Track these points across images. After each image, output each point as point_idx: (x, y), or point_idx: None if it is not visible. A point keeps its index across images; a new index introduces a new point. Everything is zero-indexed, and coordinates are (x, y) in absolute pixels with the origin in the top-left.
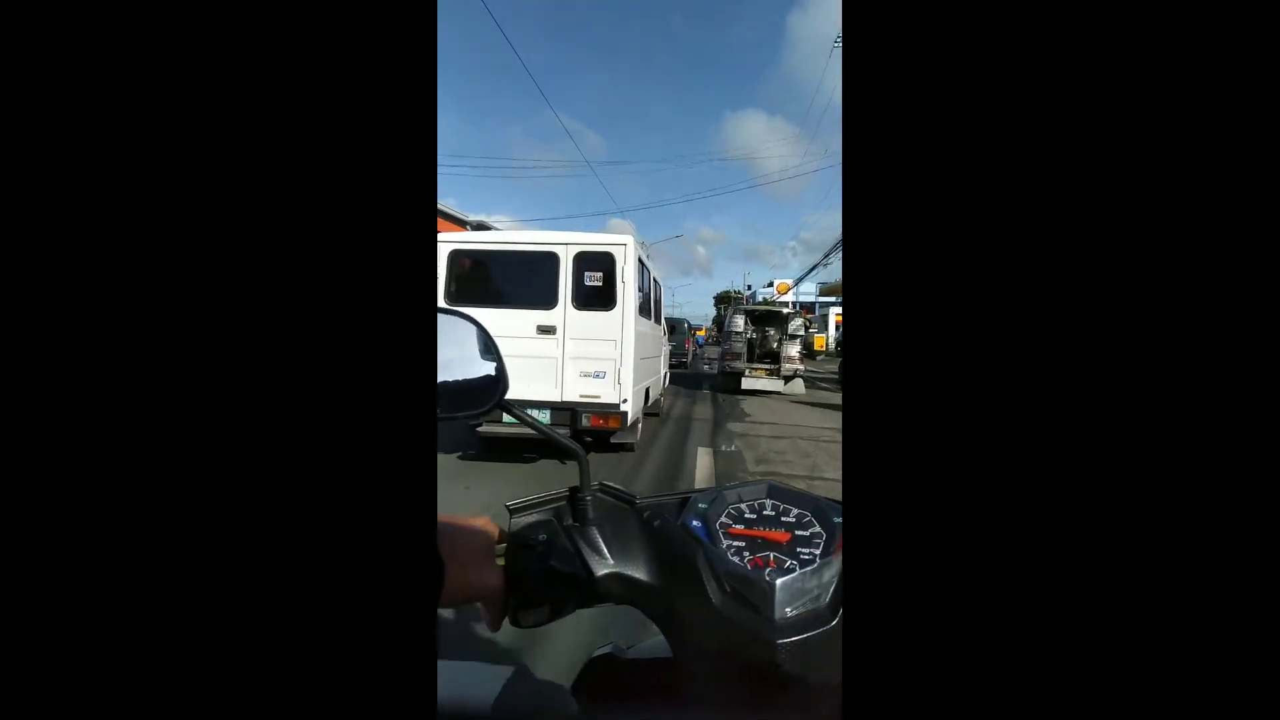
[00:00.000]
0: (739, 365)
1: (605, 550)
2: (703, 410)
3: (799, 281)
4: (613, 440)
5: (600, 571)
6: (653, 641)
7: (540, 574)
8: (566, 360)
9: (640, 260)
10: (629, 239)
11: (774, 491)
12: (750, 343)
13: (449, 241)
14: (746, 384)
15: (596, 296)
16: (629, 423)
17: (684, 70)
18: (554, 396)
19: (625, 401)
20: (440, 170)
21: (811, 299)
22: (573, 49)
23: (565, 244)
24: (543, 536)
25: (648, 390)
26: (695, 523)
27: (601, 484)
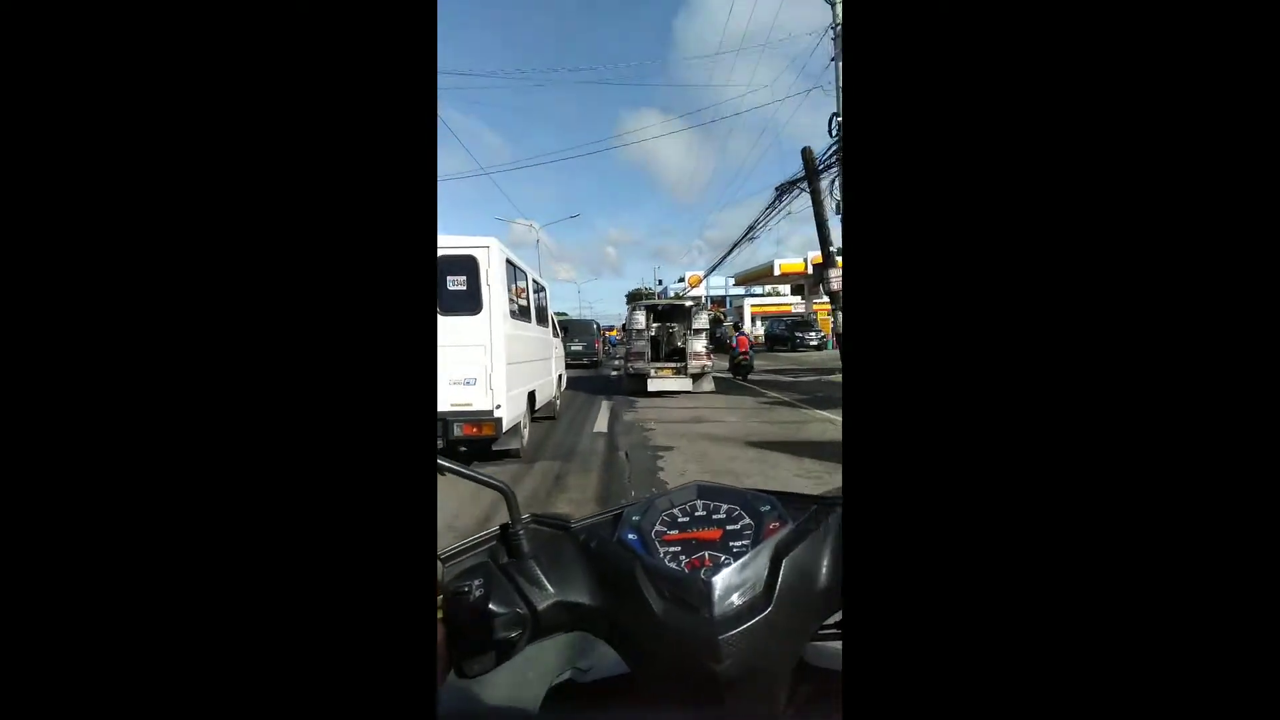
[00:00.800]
0: (643, 366)
1: (545, 581)
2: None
3: (709, 273)
4: (494, 448)
5: (543, 604)
6: (609, 661)
7: (481, 619)
8: (440, 367)
9: (509, 262)
10: (493, 240)
11: (703, 491)
12: (654, 341)
13: None
14: (653, 385)
15: (461, 301)
16: (505, 429)
17: (582, 70)
18: None
19: (499, 408)
20: None
21: (722, 292)
22: (473, 49)
23: None
24: (478, 580)
25: (532, 394)
26: (630, 535)
27: (533, 515)
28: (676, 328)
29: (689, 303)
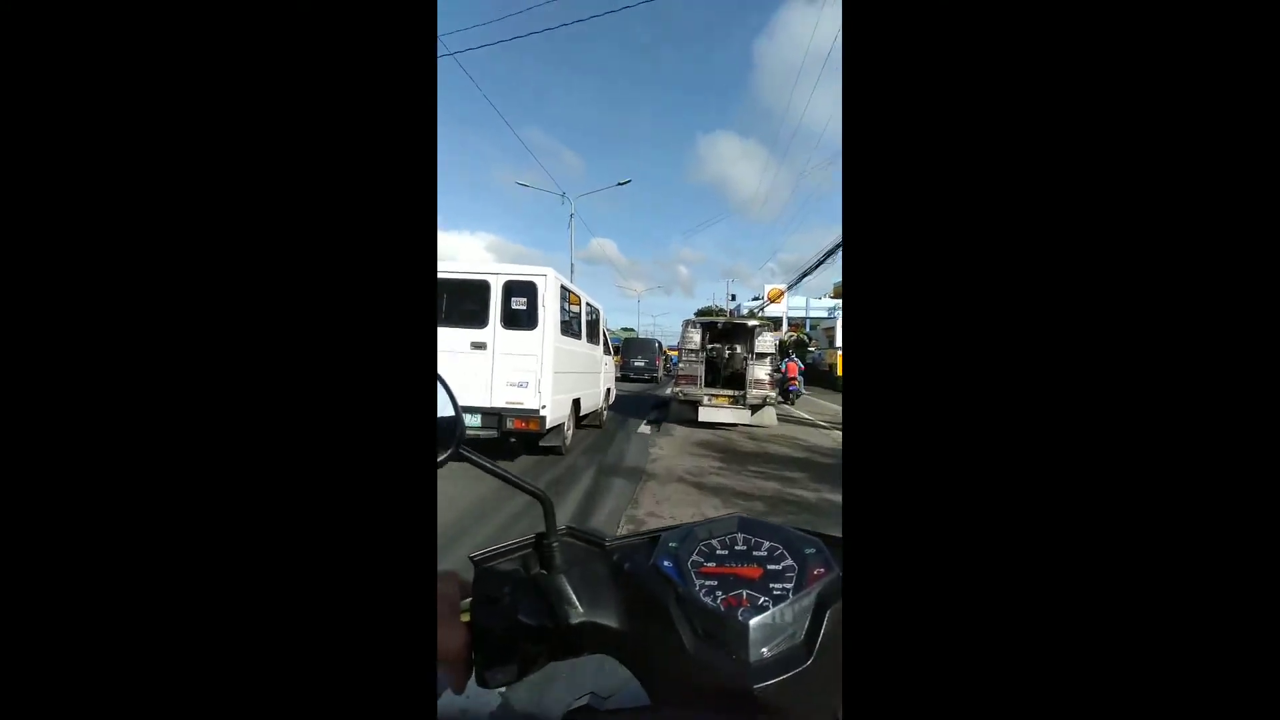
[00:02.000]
0: (694, 391)
1: (575, 599)
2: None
3: (793, 286)
4: (540, 444)
5: (572, 622)
6: (630, 690)
7: (507, 629)
8: (495, 371)
9: (564, 287)
10: (550, 270)
11: (744, 525)
12: (711, 363)
13: None
14: (705, 415)
15: (522, 318)
16: (549, 426)
17: (659, 91)
18: (485, 402)
19: (544, 408)
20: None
21: (801, 313)
22: (550, 67)
23: (495, 274)
24: (509, 589)
25: (577, 402)
26: (666, 563)
27: (569, 528)
28: (737, 350)
29: (753, 322)
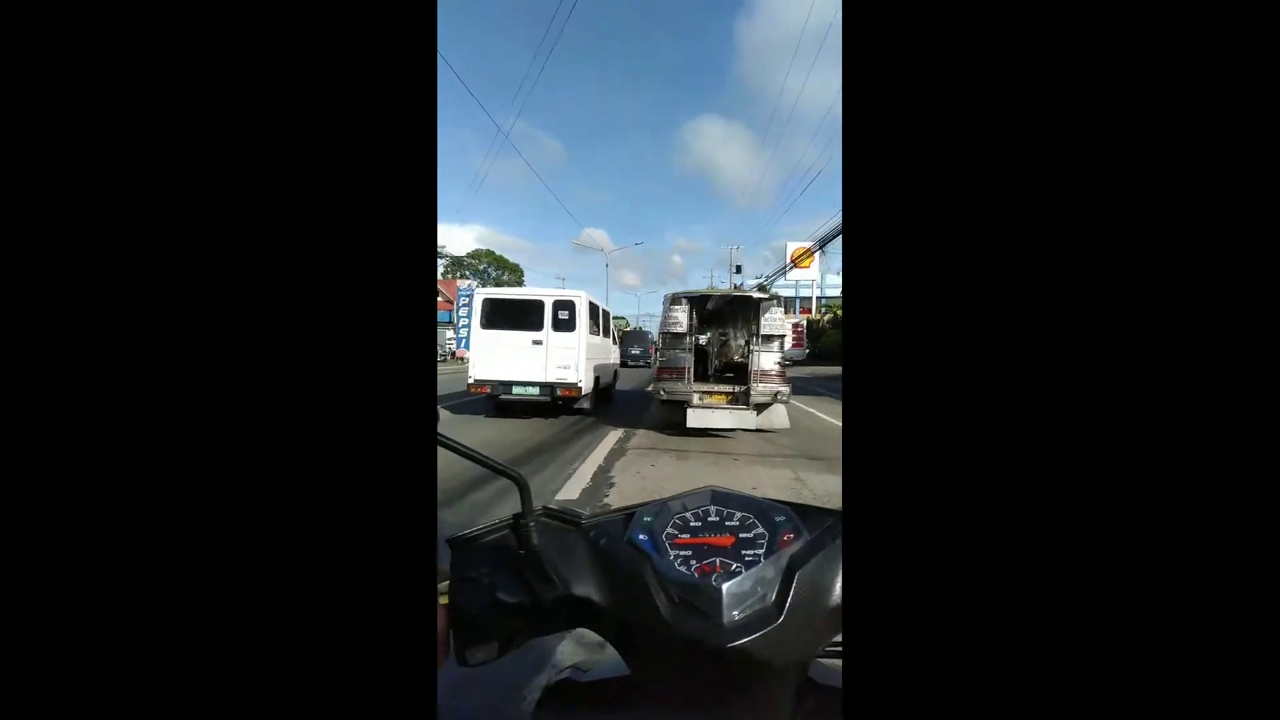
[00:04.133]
0: (680, 388)
1: (552, 575)
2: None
3: (824, 246)
4: (575, 407)
5: (549, 598)
6: (611, 661)
7: (486, 608)
8: (549, 358)
9: (590, 303)
10: (583, 292)
11: (717, 497)
12: (701, 352)
13: (483, 293)
14: (695, 419)
15: (565, 323)
16: (583, 394)
17: (640, 76)
18: (542, 378)
19: (581, 382)
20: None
21: (811, 292)
22: (527, 52)
23: (548, 295)
24: (487, 569)
25: (598, 379)
26: (642, 536)
27: (545, 508)
28: (736, 334)
29: (758, 295)
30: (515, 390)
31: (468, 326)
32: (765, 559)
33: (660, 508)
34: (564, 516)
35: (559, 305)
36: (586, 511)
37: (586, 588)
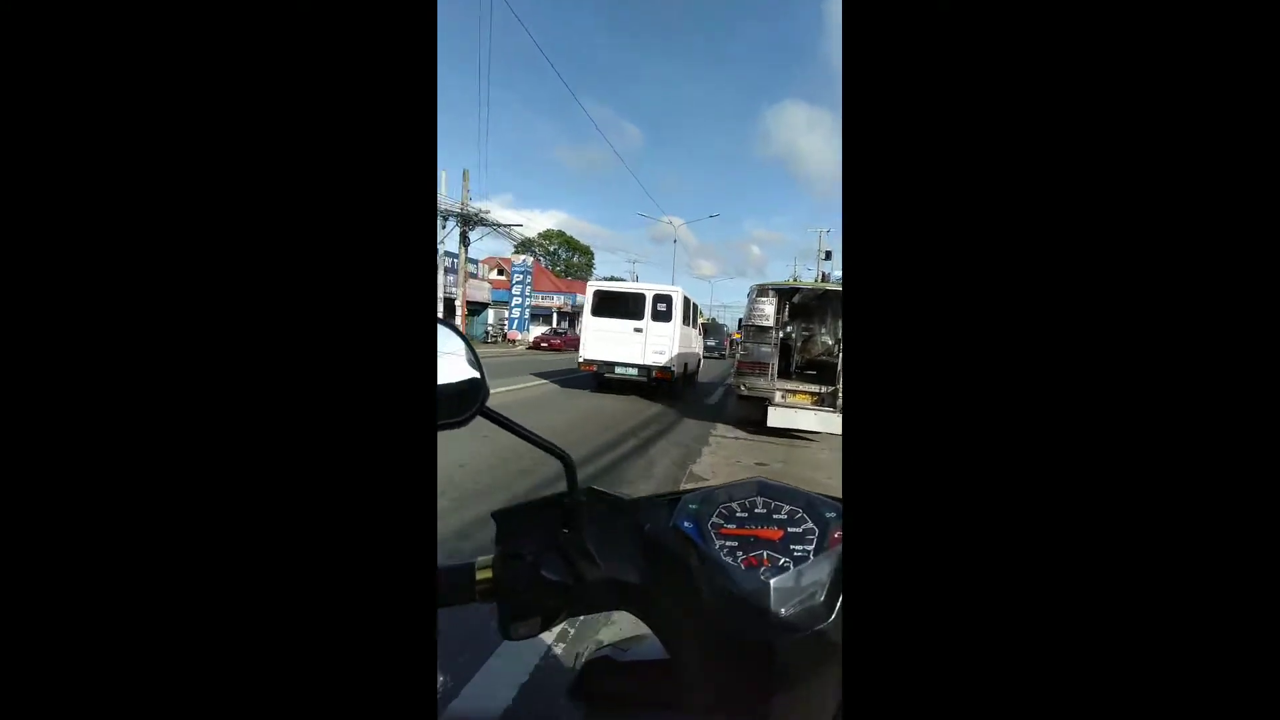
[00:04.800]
0: (762, 384)
1: (596, 556)
2: None
3: None
4: (666, 385)
5: (591, 578)
6: (649, 644)
7: (530, 584)
8: (647, 344)
9: (685, 297)
10: (679, 288)
11: (765, 489)
12: (785, 347)
13: (594, 285)
14: (776, 418)
15: (663, 315)
16: (675, 377)
17: (723, 60)
18: (640, 361)
19: (673, 365)
20: (487, 171)
21: None
22: (606, 39)
23: (648, 290)
24: (531, 545)
25: (686, 364)
26: (687, 524)
27: (590, 488)
28: (822, 330)
29: None
30: (617, 370)
31: (520, 306)
32: (815, 556)
33: (706, 495)
34: (608, 498)
35: (658, 299)
36: (630, 495)
37: (628, 570)
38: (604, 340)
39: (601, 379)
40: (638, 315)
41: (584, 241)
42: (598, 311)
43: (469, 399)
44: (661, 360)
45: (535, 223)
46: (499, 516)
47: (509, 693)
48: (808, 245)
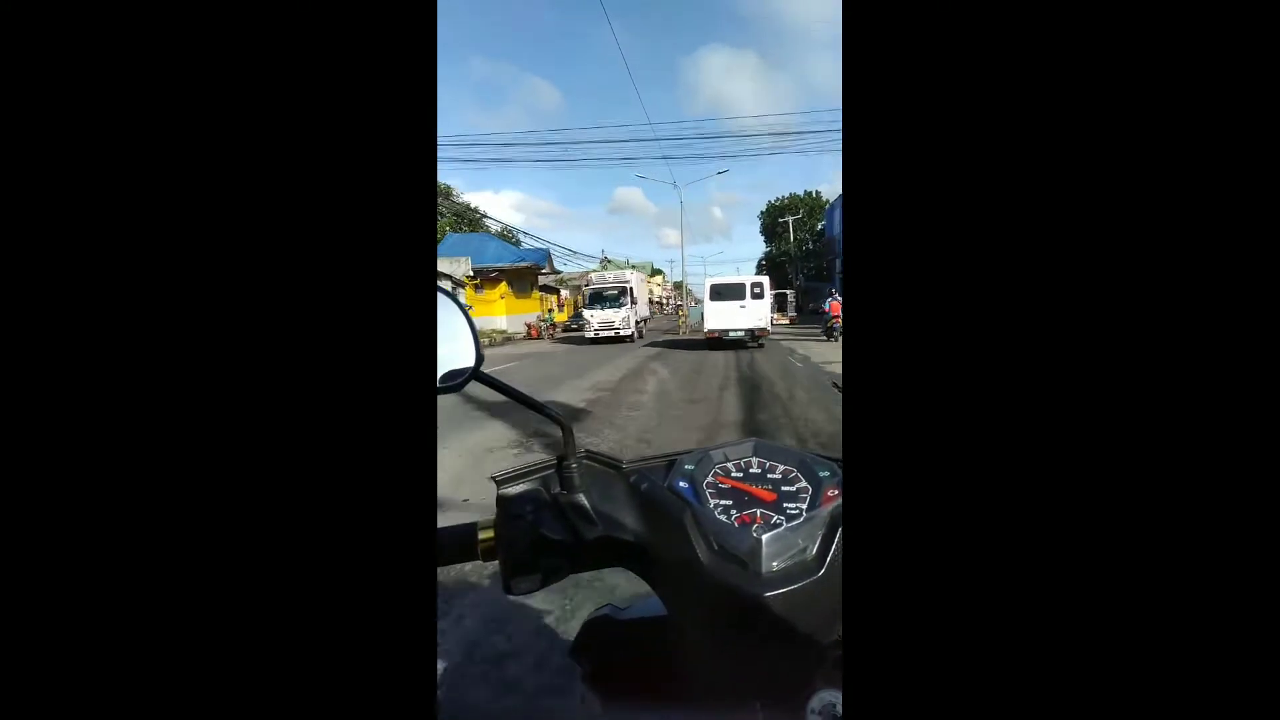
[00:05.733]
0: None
1: (593, 515)
2: None
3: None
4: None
5: (589, 537)
6: (648, 601)
7: (530, 543)
8: (749, 315)
9: (768, 280)
10: (765, 278)
11: (760, 449)
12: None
13: (709, 280)
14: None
15: (758, 295)
16: (769, 335)
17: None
18: (746, 326)
19: (769, 328)
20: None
21: None
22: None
23: (748, 279)
24: (531, 506)
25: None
26: (682, 484)
27: (588, 451)
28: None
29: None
30: (730, 334)
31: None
32: (807, 513)
33: (702, 456)
34: (605, 460)
35: (754, 284)
36: (627, 458)
37: (626, 530)
38: (720, 315)
39: (721, 341)
40: (741, 296)
41: (545, 220)
42: (714, 297)
43: (464, 365)
44: (760, 324)
45: (488, 203)
46: (499, 479)
47: (511, 655)
48: (759, 204)
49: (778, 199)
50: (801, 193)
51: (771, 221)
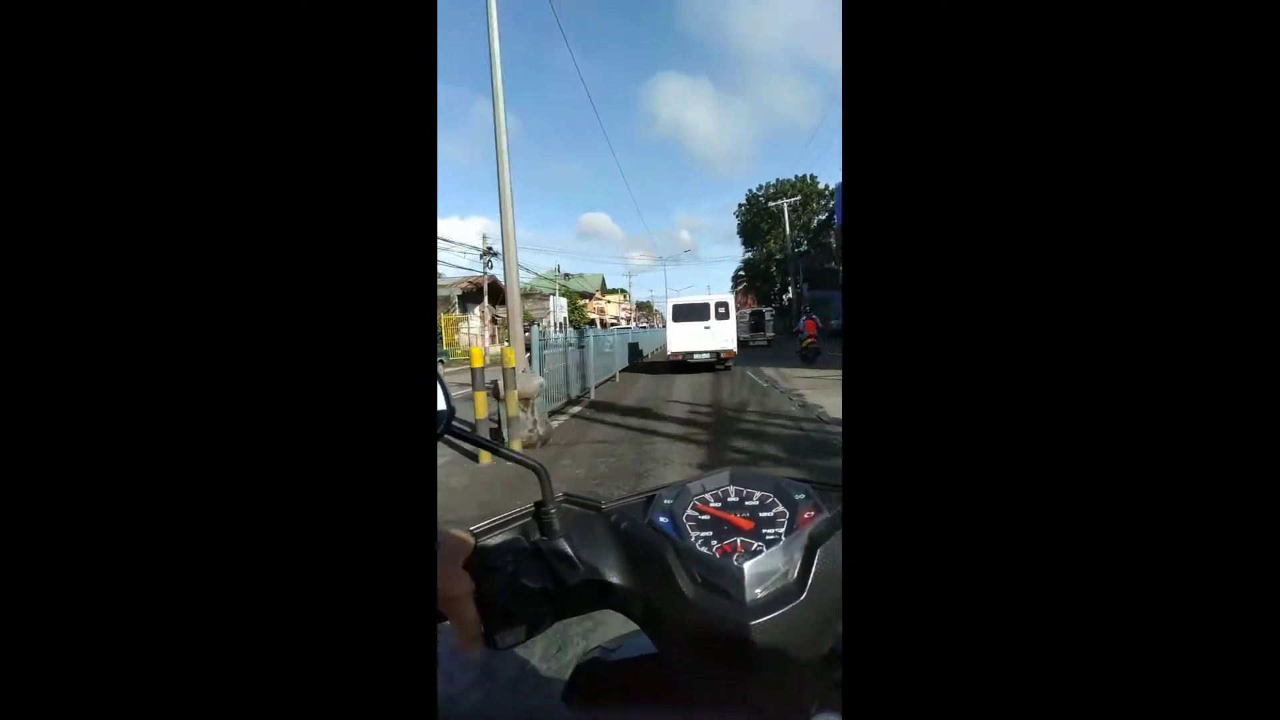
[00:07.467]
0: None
1: (575, 559)
2: None
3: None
4: (717, 367)
5: (573, 581)
6: (636, 640)
7: (511, 594)
8: (714, 336)
9: (732, 301)
10: (730, 296)
11: (736, 478)
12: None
13: (673, 300)
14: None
15: (722, 315)
16: (734, 356)
17: (584, 33)
18: (711, 348)
19: (735, 349)
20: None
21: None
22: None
23: (712, 299)
24: (510, 556)
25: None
26: (662, 519)
27: (565, 494)
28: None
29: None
30: (695, 356)
31: None
32: (786, 537)
33: (679, 490)
34: (584, 502)
35: (718, 304)
36: (604, 498)
37: (609, 571)
38: (684, 337)
39: (684, 364)
40: (706, 317)
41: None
42: (677, 318)
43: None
44: (726, 346)
45: (455, 230)
46: (477, 534)
47: (501, 708)
48: (729, 229)
49: (759, 187)
50: (793, 178)
51: (753, 218)
